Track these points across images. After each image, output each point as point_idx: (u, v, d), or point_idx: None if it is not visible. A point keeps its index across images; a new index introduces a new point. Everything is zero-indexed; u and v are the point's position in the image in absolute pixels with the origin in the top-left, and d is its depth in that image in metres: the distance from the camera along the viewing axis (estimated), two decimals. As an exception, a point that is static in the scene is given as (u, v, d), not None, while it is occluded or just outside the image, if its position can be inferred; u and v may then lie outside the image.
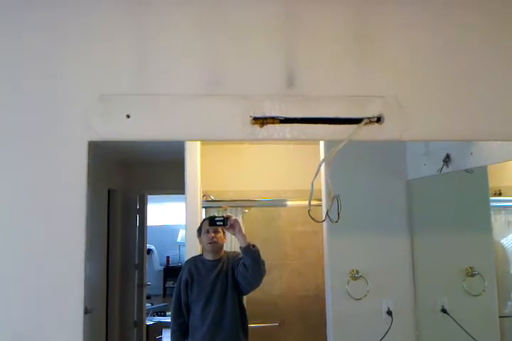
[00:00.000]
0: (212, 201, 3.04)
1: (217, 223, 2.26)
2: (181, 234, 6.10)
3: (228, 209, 2.99)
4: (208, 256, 2.36)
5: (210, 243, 2.33)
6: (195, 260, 2.40)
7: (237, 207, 3.04)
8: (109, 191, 3.65)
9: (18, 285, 1.11)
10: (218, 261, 2.35)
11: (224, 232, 2.36)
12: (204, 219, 2.44)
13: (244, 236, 2.24)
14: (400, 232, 2.30)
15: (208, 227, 2.33)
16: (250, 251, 2.21)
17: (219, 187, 3.08)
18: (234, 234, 2.28)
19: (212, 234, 2.32)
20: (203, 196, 2.85)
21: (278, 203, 3.09)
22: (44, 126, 1.14)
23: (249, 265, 2.21)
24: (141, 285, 4.24)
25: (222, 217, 2.27)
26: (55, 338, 1.10)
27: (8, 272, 1.11)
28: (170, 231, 6.54)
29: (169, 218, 6.31)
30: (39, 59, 1.16)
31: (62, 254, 1.11)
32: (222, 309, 2.27)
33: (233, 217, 2.29)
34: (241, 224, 2.28)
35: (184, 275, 2.37)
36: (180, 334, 2.34)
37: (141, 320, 4.16)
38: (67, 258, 1.11)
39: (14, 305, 1.10)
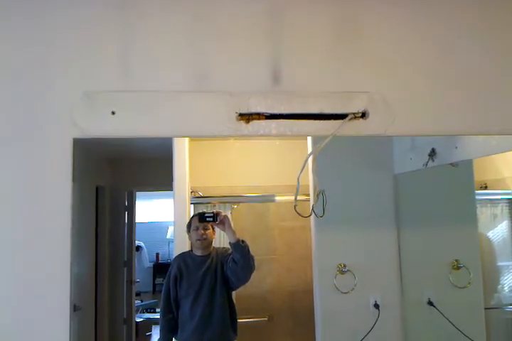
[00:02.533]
0: (201, 197, 3.04)
1: (207, 219, 2.27)
2: (171, 230, 6.09)
3: (217, 205, 2.99)
4: (197, 252, 2.37)
5: (199, 239, 2.34)
6: (184, 256, 2.41)
7: (225, 202, 3.05)
8: (97, 188, 3.63)
9: (4, 283, 1.10)
10: (207, 256, 2.35)
11: (213, 228, 2.38)
12: (193, 216, 2.44)
13: (233, 231, 2.25)
14: (386, 226, 2.32)
15: (197, 224, 2.33)
16: (240, 247, 2.22)
17: (207, 183, 3.08)
18: (223, 230, 2.29)
19: (202, 231, 2.33)
20: (192, 192, 2.85)
21: (266, 198, 3.10)
22: (28, 123, 1.13)
23: (239, 260, 2.22)
24: (130, 282, 4.23)
25: (212, 212, 2.28)
26: (42, 336, 1.10)
27: (-6, 270, 1.11)
28: (159, 227, 6.52)
29: (158, 215, 6.29)
30: (23, 56, 1.15)
31: (49, 252, 1.11)
32: (212, 304, 2.28)
33: (223, 213, 2.30)
34: (230, 220, 2.29)
35: (173, 271, 2.38)
36: (168, 329, 2.35)
37: (130, 317, 4.16)
38: (53, 256, 1.11)
39: (0, 303, 1.10)
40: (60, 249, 1.11)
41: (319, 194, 1.21)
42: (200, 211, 2.52)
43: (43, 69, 1.15)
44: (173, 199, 2.63)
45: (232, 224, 2.28)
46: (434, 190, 2.26)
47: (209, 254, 2.36)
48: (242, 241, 2.24)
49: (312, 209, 1.24)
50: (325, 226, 2.27)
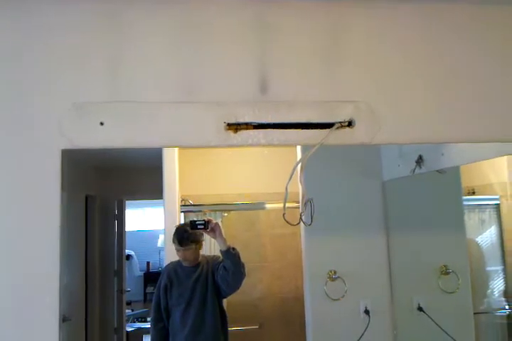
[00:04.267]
0: (191, 205, 3.04)
1: (199, 227, 2.27)
2: (161, 239, 6.06)
3: (208, 213, 2.99)
4: (186, 264, 2.37)
5: (183, 260, 2.35)
6: (175, 265, 2.41)
7: (216, 210, 3.05)
8: (86, 197, 3.62)
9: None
10: (197, 266, 2.36)
11: (198, 243, 2.35)
12: (174, 234, 2.35)
13: (224, 239, 2.26)
14: (376, 232, 2.33)
15: (177, 247, 2.32)
16: (230, 254, 2.22)
17: (197, 192, 3.08)
18: (214, 238, 2.29)
19: (183, 253, 2.32)
20: (182, 200, 2.85)
21: (256, 206, 3.11)
22: (17, 134, 1.13)
23: (230, 268, 2.22)
24: (121, 291, 4.20)
25: (203, 220, 2.28)
26: (31, 348, 1.09)
27: (-18, 281, 1.10)
28: (150, 236, 6.49)
29: (149, 223, 6.27)
30: (11, 67, 1.15)
31: (38, 262, 1.10)
32: (203, 313, 2.27)
33: (214, 221, 2.31)
34: (221, 228, 2.29)
35: (163, 280, 2.37)
36: (160, 339, 2.35)
37: (121, 327, 4.13)
38: (42, 266, 1.10)
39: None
40: (49, 259, 1.10)
41: (307, 202, 1.22)
42: (191, 219, 2.51)
43: (31, 80, 1.15)
44: (164, 207, 2.63)
45: (223, 232, 2.29)
46: (422, 196, 2.28)
47: (198, 264, 2.37)
48: (233, 249, 2.24)
49: (300, 217, 1.25)
50: (315, 233, 2.29)
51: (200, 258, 2.38)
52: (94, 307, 3.73)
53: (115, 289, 4.15)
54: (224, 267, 2.24)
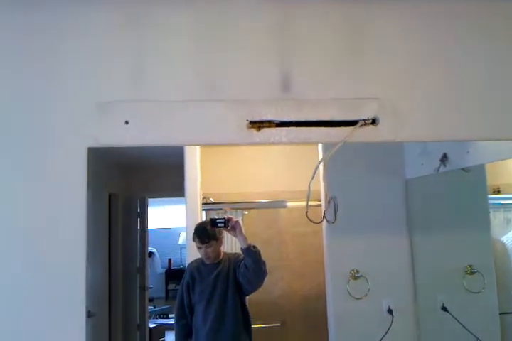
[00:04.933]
0: (212, 203, 3.06)
1: (219, 225, 2.28)
2: (183, 236, 6.11)
3: (228, 211, 3.01)
4: (207, 261, 2.39)
5: (204, 258, 2.38)
6: (197, 262, 2.44)
7: (237, 209, 3.06)
8: (109, 195, 3.67)
9: (20, 290, 1.12)
10: (218, 263, 2.38)
11: (218, 239, 2.38)
12: (194, 232, 2.38)
13: (244, 237, 2.26)
14: (399, 231, 2.31)
15: (199, 245, 2.35)
16: (251, 252, 2.23)
17: (219, 190, 3.10)
18: (235, 236, 2.30)
19: (205, 250, 2.36)
20: (203, 198, 2.87)
21: (278, 204, 3.11)
22: (43, 134, 1.15)
23: (250, 266, 2.23)
24: (143, 288, 4.25)
25: (224, 218, 2.29)
26: (58, 342, 1.12)
27: (10, 277, 1.12)
28: (171, 234, 6.55)
29: (171, 221, 6.32)
30: (37, 68, 1.18)
31: (64, 259, 1.13)
32: (223, 309, 2.29)
33: (234, 219, 2.31)
34: (241, 226, 2.30)
35: (186, 277, 2.41)
36: (183, 335, 2.39)
37: (143, 323, 4.18)
38: (68, 262, 1.12)
39: (16, 309, 1.12)
40: (75, 256, 1.12)
41: (330, 200, 1.21)
42: (211, 217, 2.52)
43: (56, 80, 1.17)
44: (185, 205, 2.65)
45: (243, 230, 2.29)
46: (446, 194, 2.25)
47: (220, 261, 2.39)
48: (254, 247, 2.25)
49: (324, 215, 1.24)
50: (337, 231, 2.27)
51: (221, 256, 2.40)
52: (117, 304, 3.79)
53: (138, 286, 4.20)
54: (245, 265, 2.25)
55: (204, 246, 2.34)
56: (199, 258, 2.44)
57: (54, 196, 1.14)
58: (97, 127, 1.15)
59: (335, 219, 1.34)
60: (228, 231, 2.30)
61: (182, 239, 6.29)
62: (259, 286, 2.32)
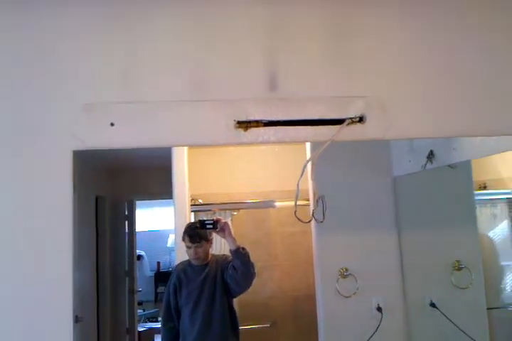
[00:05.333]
0: (201, 204, 3.04)
1: (207, 226, 2.26)
2: (171, 238, 6.07)
3: (217, 212, 2.99)
4: (195, 263, 2.37)
5: (193, 258, 2.35)
6: (184, 264, 2.41)
7: (225, 209, 3.05)
8: (96, 198, 3.62)
9: (5, 295, 1.10)
10: (205, 265, 2.36)
11: (208, 241, 2.35)
12: (184, 231, 2.37)
13: (233, 239, 2.25)
14: (387, 229, 2.32)
15: (188, 244, 2.32)
16: (240, 254, 2.22)
17: (207, 191, 3.08)
18: (224, 237, 2.28)
19: (194, 250, 2.33)
20: (192, 200, 2.85)
21: (266, 204, 3.10)
22: (28, 136, 1.14)
23: (239, 267, 2.22)
24: (132, 291, 4.20)
25: (212, 220, 2.27)
26: (46, 348, 1.10)
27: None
28: (160, 236, 6.48)
29: (159, 223, 6.27)
30: (21, 70, 1.16)
31: (50, 263, 1.11)
32: (211, 312, 2.27)
33: (223, 220, 2.30)
34: (230, 227, 2.29)
35: (173, 279, 2.38)
36: (171, 338, 2.35)
37: (133, 327, 4.13)
38: (54, 267, 1.11)
39: (0, 315, 1.10)
40: (61, 260, 1.11)
41: (319, 199, 1.21)
42: (200, 218, 2.51)
43: (41, 82, 1.16)
44: (174, 207, 2.63)
45: (232, 231, 2.28)
46: (434, 191, 2.26)
47: (207, 263, 2.36)
48: (243, 248, 2.24)
49: (312, 214, 1.24)
50: (326, 230, 2.28)
51: (209, 258, 2.38)
52: (105, 308, 3.74)
53: (126, 289, 4.15)
54: (233, 266, 2.24)
55: (194, 246, 2.32)
56: (186, 260, 2.41)
57: (40, 199, 1.13)
58: (83, 129, 1.13)
59: (323, 218, 1.33)
60: (217, 233, 2.29)
61: (171, 241, 6.24)
62: (247, 288, 2.31)
